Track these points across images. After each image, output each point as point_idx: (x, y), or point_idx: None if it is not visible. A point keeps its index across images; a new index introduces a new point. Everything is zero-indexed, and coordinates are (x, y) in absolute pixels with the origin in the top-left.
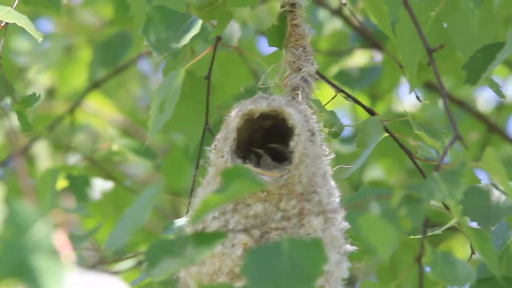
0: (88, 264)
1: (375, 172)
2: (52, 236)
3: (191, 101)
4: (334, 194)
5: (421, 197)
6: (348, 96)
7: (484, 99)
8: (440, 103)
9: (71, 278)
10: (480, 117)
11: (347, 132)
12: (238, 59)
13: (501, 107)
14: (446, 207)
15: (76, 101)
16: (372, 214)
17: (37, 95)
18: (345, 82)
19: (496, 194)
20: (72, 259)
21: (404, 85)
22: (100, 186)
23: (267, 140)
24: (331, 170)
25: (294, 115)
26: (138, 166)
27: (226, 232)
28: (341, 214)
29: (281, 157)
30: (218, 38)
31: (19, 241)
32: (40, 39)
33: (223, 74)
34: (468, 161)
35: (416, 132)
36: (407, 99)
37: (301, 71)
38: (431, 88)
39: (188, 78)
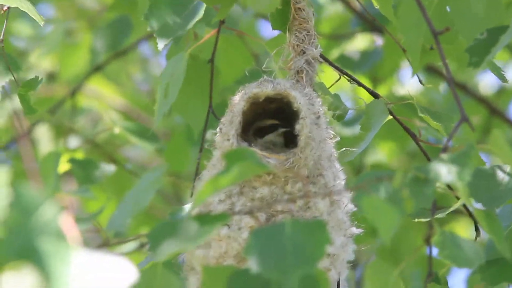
0: (90, 247)
1: (377, 156)
2: (58, 218)
3: (194, 84)
4: (339, 177)
5: (429, 179)
6: (352, 79)
7: (485, 83)
8: (442, 86)
9: (77, 260)
10: (481, 100)
11: (348, 115)
12: (239, 42)
13: (502, 91)
14: (450, 188)
15: (78, 85)
16: (374, 196)
17: (39, 78)
18: (346, 65)
19: (501, 176)
20: (78, 241)
21: (405, 69)
22: (102, 169)
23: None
24: (336, 153)
25: (299, 98)
26: (138, 150)
27: (229, 214)
28: (346, 197)
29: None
30: (222, 22)
31: (25, 224)
32: (42, 23)
33: (225, 57)
34: (475, 143)
35: (420, 114)
36: (408, 83)
37: (305, 54)
38: (433, 71)
39: (191, 62)
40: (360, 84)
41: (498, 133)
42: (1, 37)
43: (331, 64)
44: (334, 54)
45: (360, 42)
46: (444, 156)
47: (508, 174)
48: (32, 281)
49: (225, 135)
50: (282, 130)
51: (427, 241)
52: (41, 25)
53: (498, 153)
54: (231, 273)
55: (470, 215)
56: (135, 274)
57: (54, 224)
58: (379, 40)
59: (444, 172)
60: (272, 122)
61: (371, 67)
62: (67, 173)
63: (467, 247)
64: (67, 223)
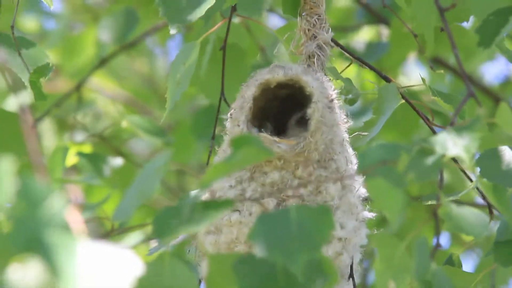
0: (94, 238)
1: None
2: (65, 210)
3: (216, 67)
4: (351, 161)
5: (435, 151)
6: (364, 63)
7: (491, 74)
8: (447, 78)
9: (84, 252)
10: (486, 91)
11: (356, 106)
12: (246, 35)
13: (507, 82)
14: (455, 160)
15: (83, 78)
16: (379, 178)
17: (50, 65)
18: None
19: (510, 156)
20: (84, 234)
21: (411, 61)
22: (110, 163)
23: (283, 109)
24: (348, 138)
25: (311, 83)
26: (142, 144)
27: (234, 200)
28: (358, 181)
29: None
30: (233, 9)
31: (31, 216)
32: (51, 6)
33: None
34: (482, 116)
35: (432, 97)
36: (414, 76)
37: (316, 38)
38: (438, 63)
39: (219, 44)
40: (372, 68)
41: (504, 105)
42: (12, 23)
43: (342, 48)
44: None
45: (365, 34)
46: (450, 128)
47: None
48: (39, 273)
49: (235, 120)
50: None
51: (434, 213)
52: (51, 8)
53: (504, 126)
54: (237, 258)
55: (483, 197)
56: (141, 265)
57: (61, 216)
58: (385, 32)
59: (450, 144)
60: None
61: (377, 59)
62: (73, 168)
63: (474, 217)
64: (73, 215)
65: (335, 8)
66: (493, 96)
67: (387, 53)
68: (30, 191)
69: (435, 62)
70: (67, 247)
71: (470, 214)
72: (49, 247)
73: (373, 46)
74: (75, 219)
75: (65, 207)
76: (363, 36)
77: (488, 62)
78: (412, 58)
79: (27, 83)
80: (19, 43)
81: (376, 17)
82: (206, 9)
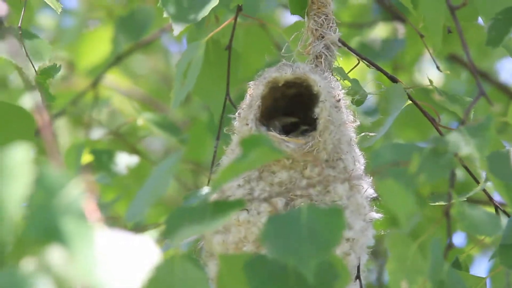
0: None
1: None
2: (82, 199)
3: (216, 69)
4: (359, 161)
5: (448, 150)
6: (371, 64)
7: (505, 71)
8: (463, 76)
9: (101, 240)
10: (501, 88)
11: (368, 103)
12: (260, 31)
13: None
14: (467, 168)
15: (99, 76)
16: (390, 180)
17: (57, 66)
18: (367, 54)
19: None
20: (101, 222)
21: (426, 58)
22: (125, 160)
23: (291, 108)
24: (356, 137)
25: (319, 82)
26: (157, 141)
27: (245, 200)
28: (366, 181)
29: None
30: (239, 8)
31: (49, 204)
32: (59, 11)
33: (246, 46)
34: (494, 116)
35: (438, 98)
36: (429, 73)
37: (323, 38)
38: (454, 60)
39: (213, 46)
40: (378, 69)
41: None
42: (19, 24)
43: (350, 49)
44: (355, 43)
45: (381, 31)
46: (462, 128)
47: None
48: (57, 261)
49: (243, 119)
50: (303, 128)
51: (446, 213)
52: (58, 13)
53: None
54: (248, 259)
55: (490, 199)
56: (158, 253)
57: (78, 205)
58: (401, 29)
59: (462, 143)
60: (293, 120)
61: (393, 56)
62: (88, 166)
63: (486, 217)
64: (89, 205)
65: (350, 5)
66: (508, 92)
67: (403, 50)
68: (47, 180)
69: (451, 59)
70: (84, 235)
71: (482, 214)
72: (67, 235)
73: (388, 43)
74: (92, 209)
75: (81, 196)
76: (379, 33)
77: (504, 59)
78: (428, 54)
79: (31, 78)
80: (23, 35)
81: (391, 14)
82: (210, 9)
